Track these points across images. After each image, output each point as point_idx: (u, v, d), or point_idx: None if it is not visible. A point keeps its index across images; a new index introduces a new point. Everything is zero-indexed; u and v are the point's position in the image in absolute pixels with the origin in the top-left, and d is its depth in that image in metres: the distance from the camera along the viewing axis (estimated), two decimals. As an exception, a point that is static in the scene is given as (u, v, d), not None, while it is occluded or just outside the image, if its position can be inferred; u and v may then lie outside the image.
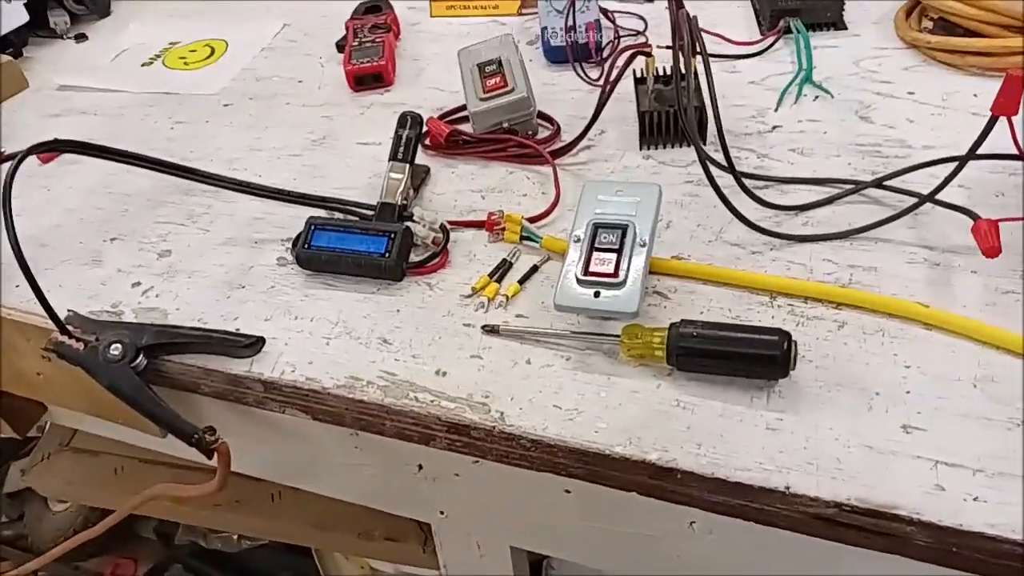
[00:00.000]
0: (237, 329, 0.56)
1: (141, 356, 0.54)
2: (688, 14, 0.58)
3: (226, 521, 0.91)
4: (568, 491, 0.54)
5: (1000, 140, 0.49)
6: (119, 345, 0.53)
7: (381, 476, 0.62)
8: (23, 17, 0.94)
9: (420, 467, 0.59)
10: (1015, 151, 0.50)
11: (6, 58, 0.91)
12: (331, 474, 0.65)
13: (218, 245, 0.64)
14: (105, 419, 0.63)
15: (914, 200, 0.54)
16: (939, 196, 0.53)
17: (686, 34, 0.56)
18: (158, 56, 0.93)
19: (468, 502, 0.61)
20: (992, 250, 0.48)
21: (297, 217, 0.64)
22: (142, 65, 0.92)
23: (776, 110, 0.68)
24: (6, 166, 0.55)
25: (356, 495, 0.68)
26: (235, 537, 0.98)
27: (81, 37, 1.00)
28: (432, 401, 0.50)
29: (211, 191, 0.68)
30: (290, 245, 0.62)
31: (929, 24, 0.72)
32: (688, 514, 0.50)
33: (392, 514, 0.72)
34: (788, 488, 0.42)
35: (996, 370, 0.45)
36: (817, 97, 0.69)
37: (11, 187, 0.53)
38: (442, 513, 0.64)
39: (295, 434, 0.61)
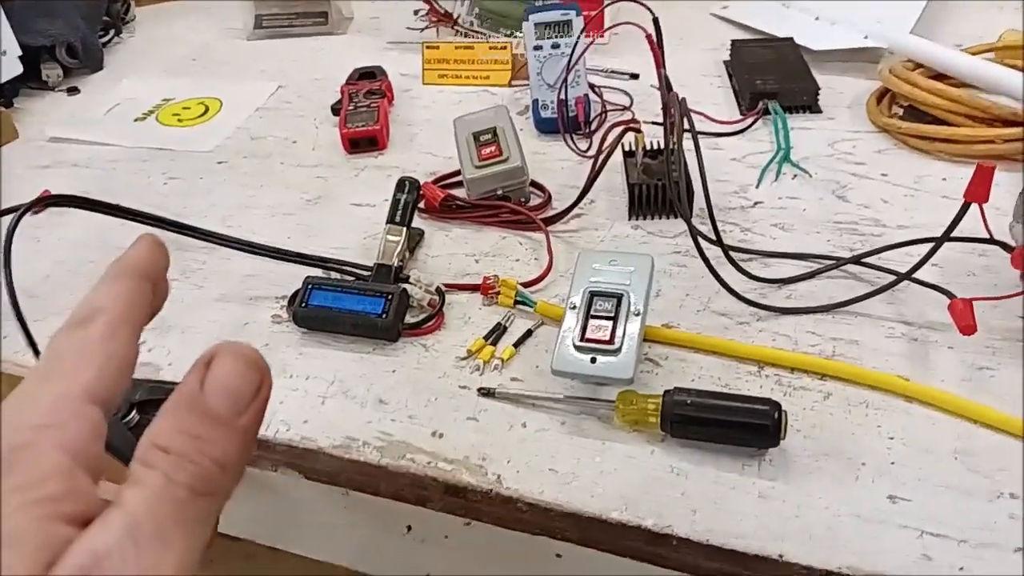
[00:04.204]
0: (231, 386, 0.56)
1: (134, 412, 0.53)
2: (678, 96, 0.61)
3: (197, 582, 0.88)
4: (559, 555, 0.54)
5: (969, 223, 0.52)
6: (113, 400, 0.53)
7: (368, 537, 0.62)
8: (17, 69, 0.94)
9: (409, 528, 0.59)
10: (985, 235, 0.53)
11: (-3, 108, 0.91)
12: (316, 534, 0.65)
13: (212, 301, 0.64)
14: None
15: (892, 278, 0.57)
16: (915, 274, 0.56)
17: (676, 114, 0.60)
18: (151, 112, 0.94)
19: (456, 564, 0.61)
20: (968, 328, 0.50)
21: (291, 276, 0.64)
22: (135, 120, 0.93)
23: (757, 187, 0.71)
24: (7, 220, 0.55)
25: (340, 556, 0.67)
26: (202, 599, 0.95)
27: (73, 90, 1.01)
28: (429, 463, 0.50)
29: (206, 247, 0.68)
30: (285, 303, 0.63)
31: (899, 111, 0.77)
32: (678, 581, 0.50)
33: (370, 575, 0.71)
34: (782, 556, 0.43)
35: (975, 443, 0.48)
36: (796, 176, 0.72)
37: (11, 242, 0.53)
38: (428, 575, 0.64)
39: (281, 493, 0.61)
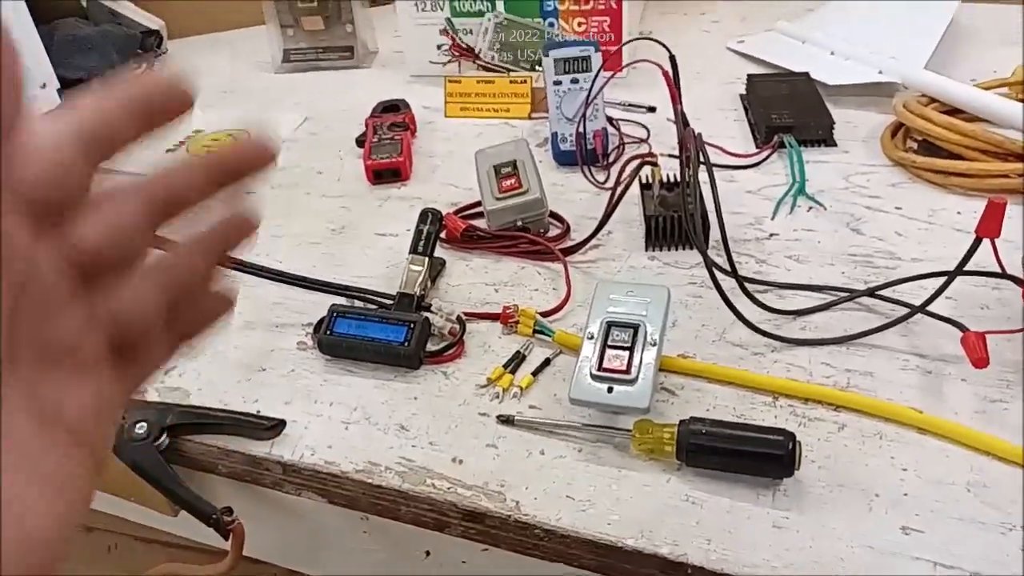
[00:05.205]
0: (258, 411, 0.58)
1: (164, 435, 0.55)
2: (694, 131, 0.63)
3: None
4: (575, 582, 0.55)
5: (982, 257, 0.53)
6: (144, 424, 0.55)
7: (387, 562, 0.63)
8: (56, 101, 0.98)
9: (428, 553, 0.60)
10: (998, 269, 0.54)
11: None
12: (336, 558, 0.66)
13: (239, 328, 0.66)
14: (113, 495, 0.63)
15: (906, 310, 0.58)
16: (929, 307, 0.57)
17: (692, 149, 0.61)
18: (182, 143, 0.97)
19: (473, 591, 0.61)
20: (981, 361, 0.51)
21: (316, 303, 0.66)
22: (167, 151, 0.96)
23: (773, 219, 0.73)
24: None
25: (359, 581, 0.68)
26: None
27: (108, 121, 1.04)
28: (449, 488, 0.51)
29: (233, 275, 0.70)
30: (310, 330, 0.65)
31: (914, 145, 0.78)
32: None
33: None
34: (795, 585, 0.43)
35: (987, 475, 0.48)
36: (811, 208, 0.74)
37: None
38: (445, 601, 0.64)
39: (304, 517, 0.62)
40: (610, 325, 0.55)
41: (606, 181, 0.80)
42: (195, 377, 0.61)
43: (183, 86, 0.25)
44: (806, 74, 0.90)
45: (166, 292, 0.26)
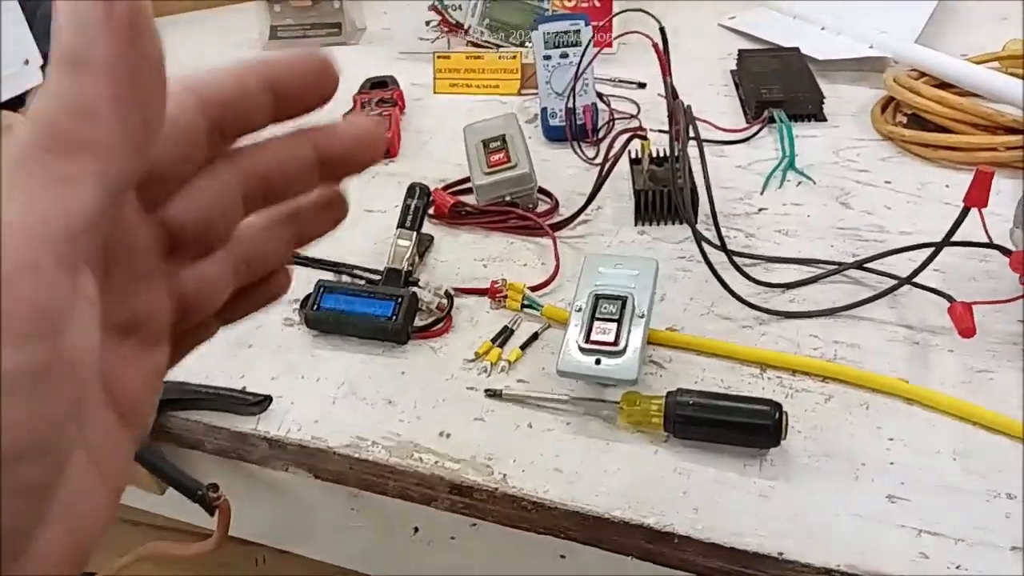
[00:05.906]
0: (244, 387, 0.57)
1: (149, 410, 0.55)
2: (683, 103, 0.62)
3: (208, 584, 0.90)
4: (563, 556, 0.55)
5: (970, 229, 0.53)
6: (129, 399, 0.54)
7: (375, 539, 0.63)
8: (38, 78, 0.97)
9: (416, 530, 0.60)
10: (985, 239, 0.54)
11: (16, 116, 0.93)
12: (324, 537, 0.66)
13: (226, 304, 0.65)
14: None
15: (894, 282, 0.58)
16: (917, 279, 0.57)
17: (682, 121, 0.61)
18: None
19: (462, 566, 0.61)
20: (968, 331, 0.51)
21: (304, 280, 0.66)
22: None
23: (762, 193, 0.72)
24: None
25: (348, 559, 0.68)
26: (213, 601, 0.97)
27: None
28: (436, 462, 0.51)
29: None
30: (297, 306, 0.64)
31: (903, 119, 0.78)
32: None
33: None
34: (781, 554, 0.43)
35: (973, 444, 0.48)
36: (800, 183, 0.73)
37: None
38: (434, 577, 0.64)
39: (291, 494, 0.62)
40: (598, 298, 0.55)
41: (595, 157, 0.80)
42: (181, 353, 0.61)
43: (331, 73, 0.23)
44: (796, 49, 0.90)
45: (238, 275, 0.24)
